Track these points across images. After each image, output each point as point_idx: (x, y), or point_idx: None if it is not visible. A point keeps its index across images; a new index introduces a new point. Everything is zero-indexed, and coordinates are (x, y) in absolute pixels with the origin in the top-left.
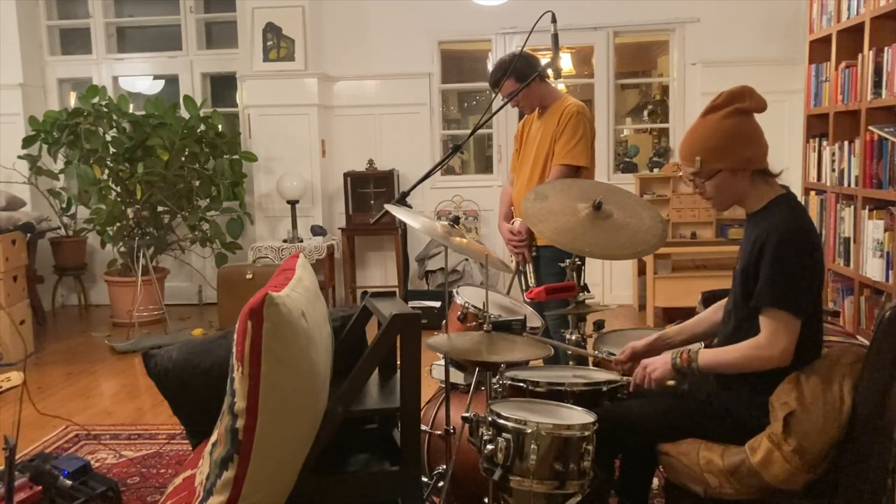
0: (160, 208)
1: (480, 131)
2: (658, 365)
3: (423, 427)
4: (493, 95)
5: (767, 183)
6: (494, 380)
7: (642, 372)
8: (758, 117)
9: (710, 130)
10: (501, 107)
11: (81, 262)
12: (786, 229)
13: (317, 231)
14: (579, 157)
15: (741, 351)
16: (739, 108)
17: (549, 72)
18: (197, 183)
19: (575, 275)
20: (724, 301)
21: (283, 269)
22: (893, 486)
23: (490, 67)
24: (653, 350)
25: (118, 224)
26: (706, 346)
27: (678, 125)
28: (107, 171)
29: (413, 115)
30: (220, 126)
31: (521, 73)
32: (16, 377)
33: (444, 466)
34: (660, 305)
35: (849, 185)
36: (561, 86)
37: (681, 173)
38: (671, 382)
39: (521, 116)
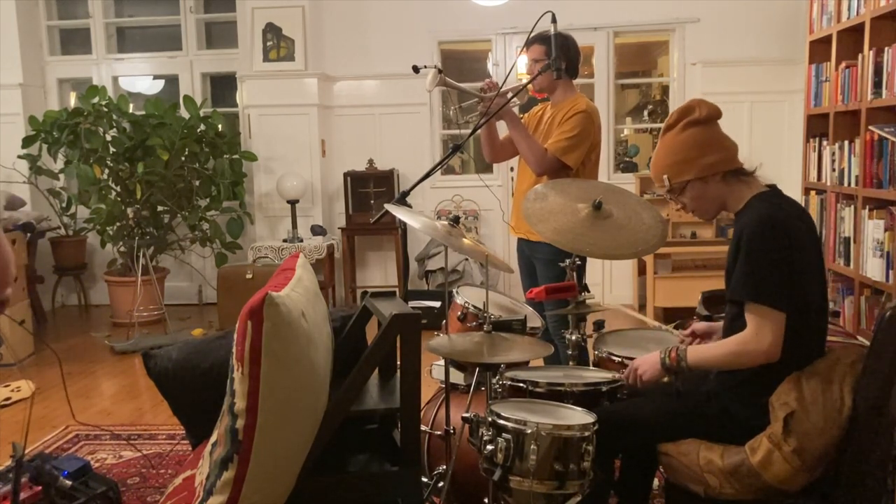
0: (160, 208)
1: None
2: (648, 365)
3: (423, 427)
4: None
5: (744, 182)
6: (494, 380)
7: (632, 373)
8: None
9: (668, 148)
10: (503, 105)
11: (81, 262)
12: (757, 224)
13: (317, 231)
14: (567, 153)
15: (728, 347)
16: (690, 120)
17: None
18: (197, 183)
19: (575, 275)
20: None
21: (283, 268)
22: (893, 486)
23: (490, 67)
24: (715, 332)
25: (118, 224)
26: None
27: None
28: (107, 171)
29: (413, 115)
30: (220, 126)
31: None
32: (25, 388)
33: (444, 466)
34: (660, 305)
35: (849, 184)
36: None
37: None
38: (665, 379)
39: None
